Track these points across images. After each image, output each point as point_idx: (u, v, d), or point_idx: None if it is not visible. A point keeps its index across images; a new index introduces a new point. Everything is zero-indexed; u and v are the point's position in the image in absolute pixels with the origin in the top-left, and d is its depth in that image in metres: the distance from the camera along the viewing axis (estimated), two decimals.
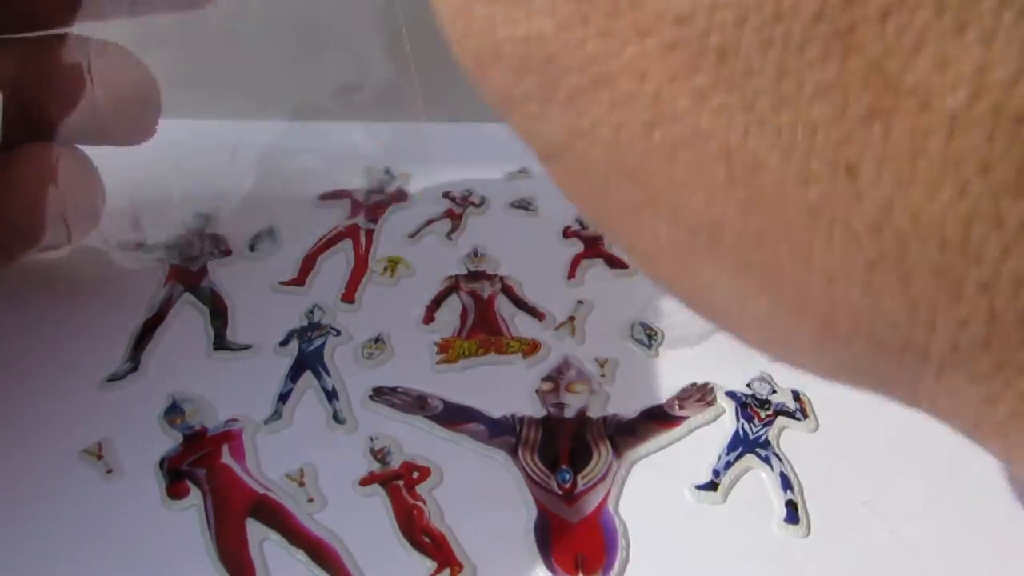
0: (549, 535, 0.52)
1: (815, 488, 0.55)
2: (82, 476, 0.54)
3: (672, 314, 0.67)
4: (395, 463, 0.55)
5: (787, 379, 0.62)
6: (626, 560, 0.51)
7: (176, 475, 0.54)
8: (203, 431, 0.57)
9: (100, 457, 0.55)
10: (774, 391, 0.61)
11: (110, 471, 0.54)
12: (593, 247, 0.73)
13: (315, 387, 0.60)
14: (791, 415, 0.59)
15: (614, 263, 0.72)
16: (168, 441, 0.56)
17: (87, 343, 0.63)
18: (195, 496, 0.53)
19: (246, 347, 0.63)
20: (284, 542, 0.51)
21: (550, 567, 0.50)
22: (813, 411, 0.60)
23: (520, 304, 0.68)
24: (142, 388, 0.60)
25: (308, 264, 0.70)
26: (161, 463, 0.55)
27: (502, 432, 0.58)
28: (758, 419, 0.59)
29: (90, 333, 0.64)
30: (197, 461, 0.55)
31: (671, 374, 0.62)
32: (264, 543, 0.51)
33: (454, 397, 0.60)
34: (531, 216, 0.77)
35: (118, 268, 0.69)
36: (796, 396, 0.61)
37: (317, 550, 0.51)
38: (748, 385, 0.61)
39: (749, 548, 0.52)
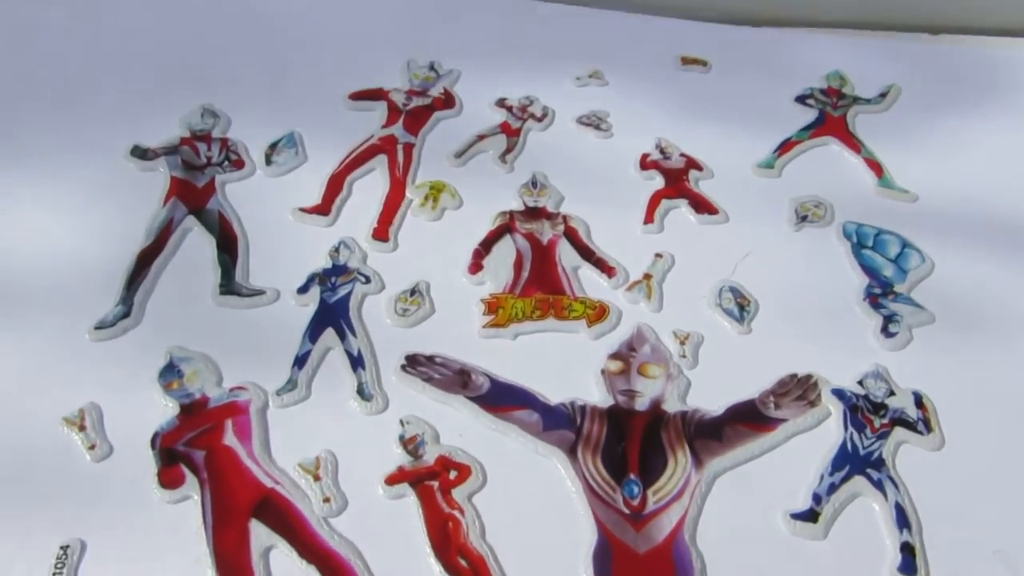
0: (610, 569, 0.43)
1: (938, 528, 0.45)
2: (62, 451, 0.46)
3: (772, 278, 0.55)
4: (429, 457, 0.46)
5: (908, 375, 0.51)
6: None
7: (170, 457, 0.45)
8: (203, 401, 0.47)
9: (82, 428, 0.46)
10: (892, 392, 0.50)
11: (93, 447, 0.46)
12: (676, 183, 0.61)
13: (338, 349, 0.50)
14: (911, 426, 0.49)
15: (700, 206, 0.60)
16: (162, 410, 0.47)
17: (73, 277, 0.53)
18: (191, 485, 0.45)
19: (258, 292, 0.53)
20: (293, 553, 0.43)
21: None
22: (939, 422, 0.49)
23: (585, 253, 0.56)
24: (135, 340, 0.50)
25: (335, 185, 0.59)
26: (153, 440, 0.46)
27: (559, 424, 0.48)
28: (871, 429, 0.48)
29: (76, 263, 0.54)
30: (195, 440, 0.46)
31: (767, 359, 0.51)
32: (270, 552, 0.43)
33: (503, 372, 0.50)
34: (603, 137, 0.64)
35: (111, 179, 0.58)
36: (919, 400, 0.50)
37: (331, 568, 0.42)
38: (860, 382, 0.50)
39: None
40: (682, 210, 0.59)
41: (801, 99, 0.68)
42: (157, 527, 0.43)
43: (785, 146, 0.64)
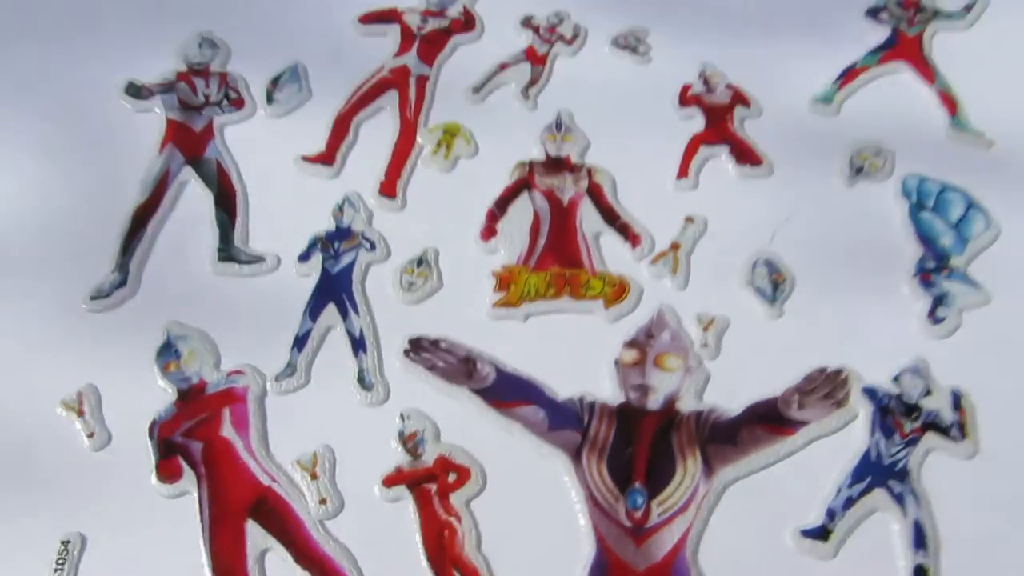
0: None
1: (959, 551, 0.43)
2: (61, 437, 0.45)
3: (814, 249, 0.50)
4: (428, 457, 0.45)
5: (951, 369, 0.47)
6: None
7: (167, 448, 0.45)
8: (201, 387, 0.46)
9: (81, 413, 0.46)
10: (928, 391, 0.46)
11: (92, 435, 0.45)
12: (717, 124, 0.54)
13: (339, 328, 0.48)
14: (944, 431, 0.45)
15: (743, 155, 0.53)
16: (159, 394, 0.46)
17: (66, 234, 0.51)
18: (189, 479, 0.44)
19: (258, 259, 0.50)
20: (288, 558, 0.43)
21: None
22: (975, 427, 0.45)
23: (610, 216, 0.51)
24: (131, 312, 0.49)
25: (340, 129, 0.54)
26: (151, 429, 0.46)
27: (565, 423, 0.46)
28: (900, 434, 0.45)
29: (70, 219, 0.51)
30: (193, 430, 0.45)
31: (796, 349, 0.47)
32: (266, 555, 0.43)
33: (511, 358, 0.48)
34: (640, 63, 0.57)
35: (105, 122, 0.55)
36: (957, 401, 0.46)
37: (326, 574, 0.42)
38: (896, 379, 0.47)
39: None
40: (721, 160, 0.54)
41: (873, 12, 0.59)
42: (157, 523, 0.43)
43: (849, 74, 0.56)
